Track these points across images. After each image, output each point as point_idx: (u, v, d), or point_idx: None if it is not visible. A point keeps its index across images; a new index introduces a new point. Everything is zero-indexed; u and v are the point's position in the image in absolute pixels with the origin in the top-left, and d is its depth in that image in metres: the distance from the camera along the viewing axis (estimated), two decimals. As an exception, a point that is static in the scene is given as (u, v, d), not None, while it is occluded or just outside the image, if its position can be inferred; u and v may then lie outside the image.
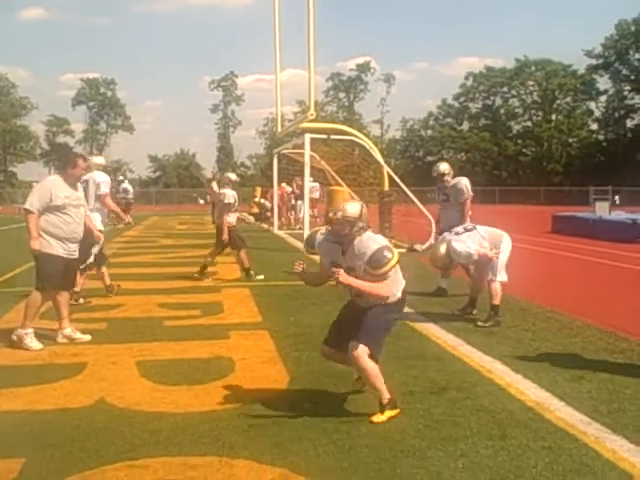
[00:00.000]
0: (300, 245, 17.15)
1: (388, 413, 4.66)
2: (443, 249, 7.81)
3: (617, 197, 48.18)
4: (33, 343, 6.72)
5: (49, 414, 4.78)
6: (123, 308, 8.86)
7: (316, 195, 25.69)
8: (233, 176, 12.34)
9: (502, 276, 7.83)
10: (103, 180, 9.47)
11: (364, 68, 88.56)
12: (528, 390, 5.21)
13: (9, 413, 4.81)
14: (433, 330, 7.43)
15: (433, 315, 8.16)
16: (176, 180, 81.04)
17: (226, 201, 11.61)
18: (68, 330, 7.05)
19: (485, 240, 7.87)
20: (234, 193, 11.79)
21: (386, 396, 4.70)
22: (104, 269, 9.82)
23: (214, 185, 30.96)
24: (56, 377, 5.64)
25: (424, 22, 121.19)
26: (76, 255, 7.08)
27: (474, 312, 8.11)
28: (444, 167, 10.02)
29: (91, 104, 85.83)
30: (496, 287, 7.78)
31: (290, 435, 4.33)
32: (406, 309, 8.53)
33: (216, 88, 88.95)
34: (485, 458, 3.95)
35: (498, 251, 7.81)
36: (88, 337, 7.07)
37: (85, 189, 8.77)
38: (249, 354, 6.43)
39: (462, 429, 4.42)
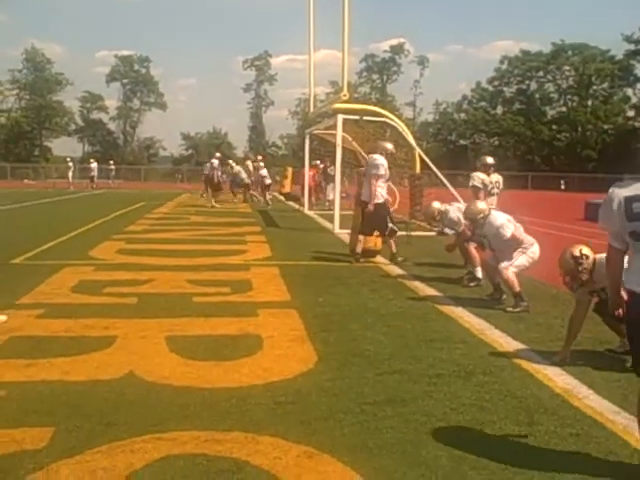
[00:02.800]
0: (330, 225, 17.16)
1: None
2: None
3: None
4: None
5: (80, 385, 4.86)
6: (153, 283, 8.94)
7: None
8: (389, 146, 11.80)
9: (512, 269, 7.68)
10: (380, 163, 11.00)
11: (398, 50, 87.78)
12: (556, 377, 5.18)
13: (44, 383, 4.89)
14: (461, 314, 7.39)
15: (462, 299, 8.11)
16: (207, 159, 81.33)
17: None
18: None
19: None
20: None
21: None
22: (393, 239, 11.25)
23: (249, 164, 31.07)
24: (87, 349, 5.71)
25: (459, 4, 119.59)
26: None
27: (503, 297, 8.02)
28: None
29: (125, 81, 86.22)
30: (507, 274, 7.61)
31: (316, 414, 4.35)
32: (435, 292, 8.59)
33: (249, 67, 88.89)
34: (511, 443, 3.93)
35: (524, 250, 7.78)
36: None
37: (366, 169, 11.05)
38: (277, 332, 6.46)
39: (489, 414, 4.40)
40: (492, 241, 7.93)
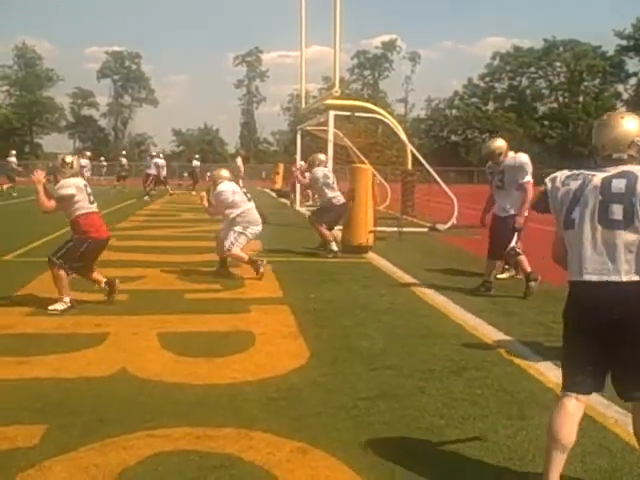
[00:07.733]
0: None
1: None
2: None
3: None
4: None
5: (72, 382, 4.85)
6: (144, 280, 8.92)
7: None
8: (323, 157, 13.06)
9: (235, 249, 9.12)
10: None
11: (390, 46, 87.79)
12: (548, 371, 5.19)
13: (35, 380, 4.88)
14: (453, 309, 7.40)
15: (454, 295, 8.10)
16: (199, 155, 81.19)
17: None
18: None
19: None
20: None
21: None
22: None
23: (239, 161, 30.99)
24: (79, 346, 5.70)
25: (451, 0, 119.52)
26: None
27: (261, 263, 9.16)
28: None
29: (116, 77, 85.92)
30: (233, 252, 9.13)
31: (309, 410, 4.35)
32: (427, 288, 8.59)
33: (240, 64, 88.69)
34: (504, 438, 3.94)
35: (244, 230, 9.17)
36: None
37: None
38: (269, 328, 6.46)
39: (481, 408, 4.42)
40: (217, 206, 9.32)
